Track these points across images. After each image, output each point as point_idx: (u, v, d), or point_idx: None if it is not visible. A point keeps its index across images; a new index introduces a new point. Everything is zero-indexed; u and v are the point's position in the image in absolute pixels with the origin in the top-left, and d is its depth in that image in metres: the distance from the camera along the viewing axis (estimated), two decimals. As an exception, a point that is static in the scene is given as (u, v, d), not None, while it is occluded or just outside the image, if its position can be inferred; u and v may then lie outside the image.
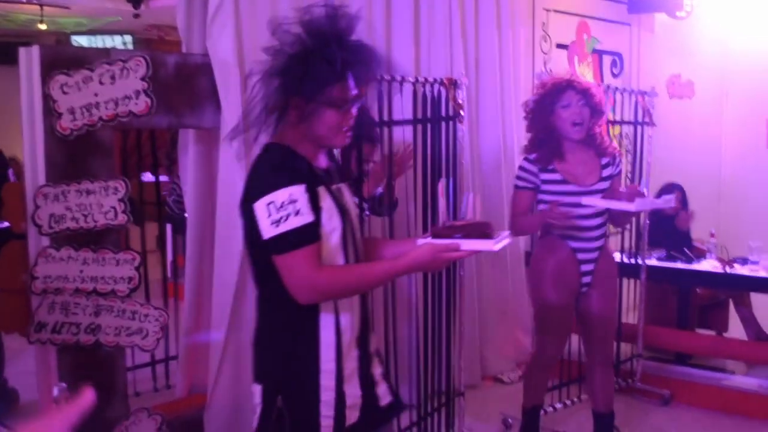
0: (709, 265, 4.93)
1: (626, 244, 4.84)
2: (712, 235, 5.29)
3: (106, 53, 3.39)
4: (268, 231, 2.05)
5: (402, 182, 4.14)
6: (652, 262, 5.01)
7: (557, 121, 3.55)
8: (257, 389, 2.30)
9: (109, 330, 3.31)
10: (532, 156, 3.62)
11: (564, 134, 3.56)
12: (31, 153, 3.24)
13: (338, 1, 2.41)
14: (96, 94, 3.23)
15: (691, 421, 4.50)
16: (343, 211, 2.19)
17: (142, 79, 3.33)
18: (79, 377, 3.30)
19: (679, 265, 4.98)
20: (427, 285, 3.92)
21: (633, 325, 4.98)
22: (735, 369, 5.12)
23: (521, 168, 3.66)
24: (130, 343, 3.40)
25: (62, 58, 3.24)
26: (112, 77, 3.27)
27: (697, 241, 5.41)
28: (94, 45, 7.61)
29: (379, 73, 2.28)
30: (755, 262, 4.77)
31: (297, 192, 2.04)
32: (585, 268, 3.64)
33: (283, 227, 2.03)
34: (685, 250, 5.07)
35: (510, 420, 4.33)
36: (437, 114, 3.94)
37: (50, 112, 3.15)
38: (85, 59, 3.26)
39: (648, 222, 4.88)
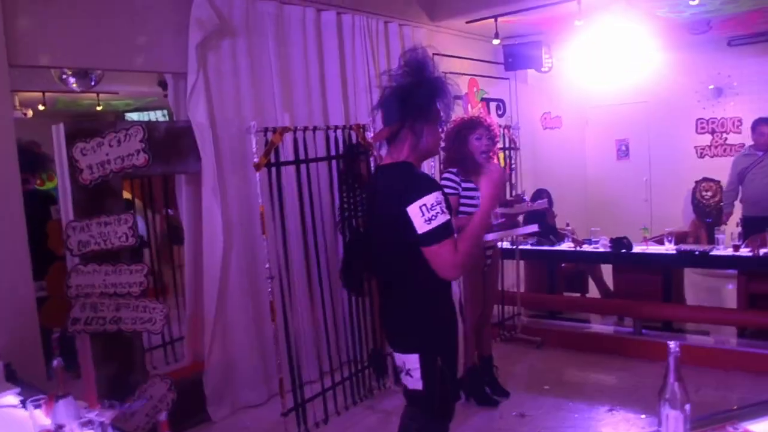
0: (566, 246, 5.07)
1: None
2: (567, 225, 5.42)
3: (113, 125, 3.45)
4: (422, 227, 1.98)
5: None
6: (528, 246, 5.18)
7: (470, 147, 3.61)
8: (412, 358, 2.12)
9: (128, 320, 3.38)
10: (455, 170, 3.62)
11: (475, 157, 3.61)
12: (63, 197, 3.32)
13: None
14: (107, 154, 3.31)
15: (557, 358, 4.62)
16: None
17: (141, 141, 3.42)
18: (108, 356, 3.40)
19: (546, 247, 5.12)
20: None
21: (515, 292, 5.13)
22: (592, 319, 5.25)
23: (448, 179, 3.60)
24: (143, 329, 3.48)
25: (80, 130, 3.29)
26: (119, 141, 3.36)
27: (561, 228, 5.54)
28: (142, 119, 7.74)
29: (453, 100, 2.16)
30: (596, 242, 4.92)
31: (439, 196, 2.00)
32: (488, 253, 3.79)
33: (434, 223, 1.97)
34: (551, 237, 5.21)
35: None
36: (357, 149, 4.03)
37: (74, 168, 3.24)
38: (97, 130, 3.32)
39: (523, 219, 5.01)
